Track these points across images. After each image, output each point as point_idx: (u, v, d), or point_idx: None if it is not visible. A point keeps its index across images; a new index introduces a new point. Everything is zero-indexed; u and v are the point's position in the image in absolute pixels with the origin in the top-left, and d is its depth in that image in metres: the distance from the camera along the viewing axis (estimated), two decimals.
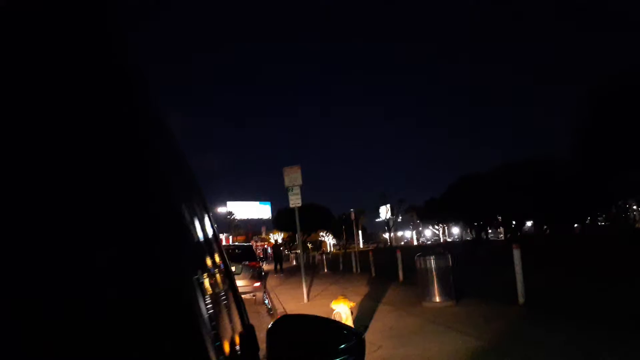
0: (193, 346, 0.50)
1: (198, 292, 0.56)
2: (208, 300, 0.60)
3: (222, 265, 0.95)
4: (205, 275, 0.65)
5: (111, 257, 0.44)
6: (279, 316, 1.11)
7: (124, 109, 0.57)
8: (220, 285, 0.78)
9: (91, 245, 0.44)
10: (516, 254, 7.70)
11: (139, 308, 0.45)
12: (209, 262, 0.74)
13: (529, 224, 64.28)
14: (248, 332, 0.94)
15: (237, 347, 0.78)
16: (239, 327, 0.84)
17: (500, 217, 59.43)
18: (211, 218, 0.97)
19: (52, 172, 0.45)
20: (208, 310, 0.58)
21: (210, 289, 0.65)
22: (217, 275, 0.78)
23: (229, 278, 0.98)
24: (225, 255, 1.01)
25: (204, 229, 0.77)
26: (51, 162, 0.45)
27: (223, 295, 0.78)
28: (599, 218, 52.45)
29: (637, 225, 47.72)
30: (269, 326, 1.01)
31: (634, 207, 49.55)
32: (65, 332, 0.38)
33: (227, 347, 0.67)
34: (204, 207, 0.94)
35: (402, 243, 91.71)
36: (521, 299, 7.57)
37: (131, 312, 0.44)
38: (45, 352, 0.37)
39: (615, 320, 5.95)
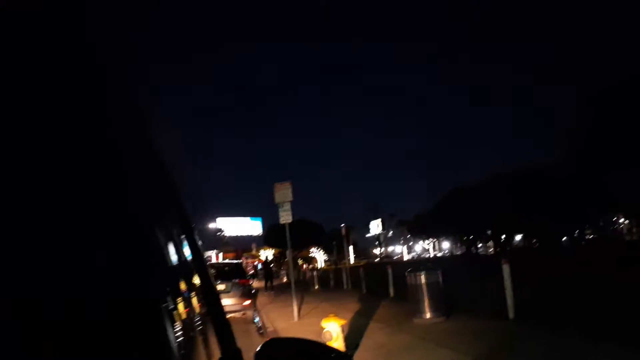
0: None
1: (166, 320, 0.54)
2: (178, 327, 0.58)
3: (205, 287, 0.93)
4: (179, 299, 0.63)
5: (64, 290, 0.42)
6: (269, 335, 1.09)
7: (85, 118, 0.55)
8: (198, 309, 0.76)
9: (22, 283, 0.40)
10: (505, 269, 7.72)
11: (99, 340, 0.43)
12: (183, 286, 0.72)
13: (518, 237, 64.68)
14: (235, 357, 0.93)
15: None
16: (217, 351, 0.81)
17: (489, 232, 59.75)
18: (194, 237, 0.95)
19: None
20: (178, 338, 0.56)
21: (184, 315, 0.63)
22: (195, 299, 0.76)
23: (212, 299, 0.96)
24: (211, 276, 0.99)
25: (180, 251, 0.75)
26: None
27: (200, 320, 0.76)
28: (587, 231, 52.96)
29: (626, 237, 48.13)
30: (257, 350, 0.99)
31: (621, 220, 50.09)
32: None
33: None
34: (186, 226, 0.92)
35: (379, 256, 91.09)
36: (511, 314, 7.57)
37: (93, 343, 0.42)
38: None
39: (603, 332, 5.96)
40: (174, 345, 0.53)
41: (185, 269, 0.77)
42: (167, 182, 0.85)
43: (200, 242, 0.99)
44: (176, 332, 0.56)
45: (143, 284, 0.53)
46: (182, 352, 0.56)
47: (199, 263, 0.96)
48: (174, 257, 0.68)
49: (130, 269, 0.52)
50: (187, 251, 0.82)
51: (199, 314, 0.75)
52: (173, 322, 0.57)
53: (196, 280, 0.82)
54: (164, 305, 0.56)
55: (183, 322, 0.62)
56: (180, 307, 0.63)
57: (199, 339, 0.70)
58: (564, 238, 52.82)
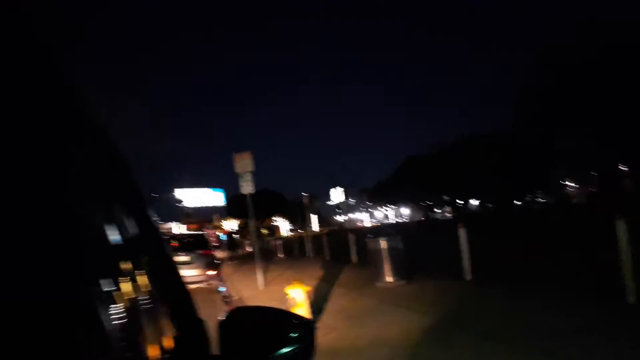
0: None
1: (100, 304, 0.51)
2: (119, 310, 0.55)
3: (159, 261, 0.89)
4: (121, 280, 0.59)
5: None
6: (235, 304, 1.09)
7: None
8: (145, 288, 0.72)
9: None
10: (462, 232, 8.03)
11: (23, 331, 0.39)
12: (128, 265, 0.67)
13: (473, 202, 67.36)
14: (197, 327, 0.93)
15: (168, 350, 0.73)
16: (170, 328, 0.79)
17: (446, 197, 61.89)
18: (146, 211, 0.90)
19: None
20: (117, 321, 0.53)
21: (128, 295, 0.59)
22: (142, 277, 0.72)
23: (169, 274, 0.93)
24: (168, 249, 0.95)
25: (125, 228, 0.70)
26: None
27: (148, 299, 0.72)
28: (538, 195, 55.81)
29: (573, 200, 51.06)
30: (221, 319, 0.99)
31: (569, 183, 53.01)
32: None
33: (152, 352, 0.63)
34: (136, 200, 0.87)
35: (341, 225, 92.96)
36: (468, 275, 7.94)
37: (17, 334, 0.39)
38: None
39: (547, 284, 6.42)
40: (111, 328, 0.51)
41: (132, 246, 0.72)
42: (109, 156, 0.80)
43: (155, 217, 0.94)
44: (114, 315, 0.53)
45: (69, 268, 0.50)
46: (121, 334, 0.54)
47: (153, 237, 0.92)
48: (116, 236, 0.64)
49: (53, 250, 0.48)
50: (136, 227, 0.77)
51: (147, 292, 0.71)
52: (110, 304, 0.54)
53: (145, 257, 0.78)
54: (97, 288, 0.53)
55: (126, 303, 0.58)
56: (123, 287, 0.59)
57: (145, 319, 0.67)
58: (517, 202, 55.57)
